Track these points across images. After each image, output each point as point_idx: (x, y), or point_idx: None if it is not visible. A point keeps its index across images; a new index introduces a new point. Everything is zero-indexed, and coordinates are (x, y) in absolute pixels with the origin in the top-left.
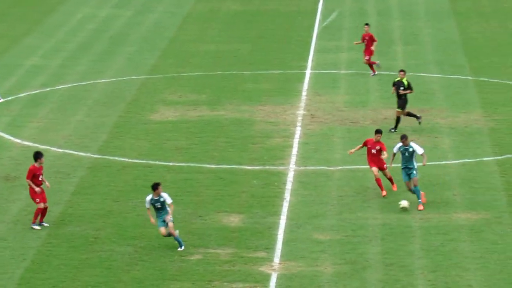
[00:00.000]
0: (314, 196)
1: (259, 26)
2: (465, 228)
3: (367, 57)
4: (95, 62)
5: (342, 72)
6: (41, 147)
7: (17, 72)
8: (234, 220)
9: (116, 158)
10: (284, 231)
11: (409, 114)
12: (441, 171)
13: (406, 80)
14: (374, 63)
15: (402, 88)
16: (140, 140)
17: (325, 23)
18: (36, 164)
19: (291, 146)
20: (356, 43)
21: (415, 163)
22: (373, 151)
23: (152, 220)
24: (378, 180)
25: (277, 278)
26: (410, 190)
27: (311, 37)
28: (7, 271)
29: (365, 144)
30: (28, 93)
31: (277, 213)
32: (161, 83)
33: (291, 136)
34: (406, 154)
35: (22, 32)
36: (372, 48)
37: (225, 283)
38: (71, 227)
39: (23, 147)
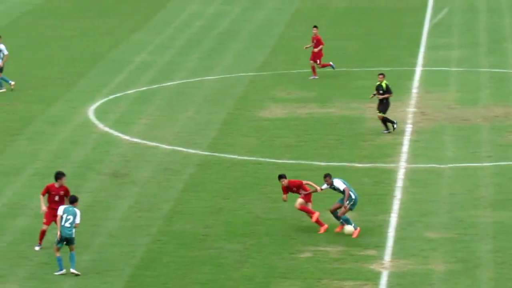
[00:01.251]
0: (425, 194)
1: (367, 23)
2: None
3: (318, 61)
4: (204, 59)
5: (452, 69)
6: (149, 144)
7: (125, 68)
8: None
9: (226, 155)
10: (395, 229)
11: (385, 120)
12: None
13: (385, 83)
14: (328, 65)
15: (381, 91)
16: (250, 137)
17: (435, 20)
18: (56, 184)
19: (401, 144)
20: (306, 47)
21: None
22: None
23: None
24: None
25: (388, 276)
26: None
27: (421, 34)
28: (117, 268)
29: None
30: (137, 89)
31: (388, 211)
32: (270, 80)
33: (401, 133)
34: (335, 190)
35: (131, 28)
36: (316, 50)
37: (335, 281)
38: (180, 224)
39: (132, 144)
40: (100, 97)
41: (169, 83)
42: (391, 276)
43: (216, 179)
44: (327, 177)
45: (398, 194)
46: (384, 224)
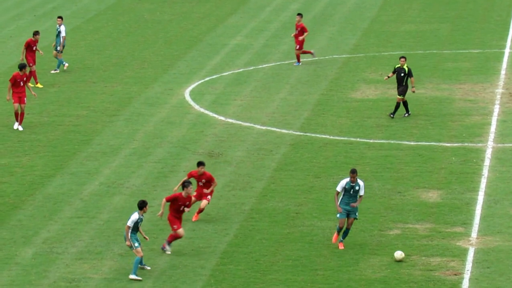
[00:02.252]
0: (511, 172)
1: (458, 6)
2: None
3: (297, 47)
4: None
5: None
6: (244, 124)
7: (221, 51)
8: (432, 196)
9: (318, 135)
10: (482, 207)
11: (404, 104)
12: None
13: (407, 66)
14: (308, 52)
15: (402, 74)
16: (341, 118)
17: None
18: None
19: (489, 124)
20: (293, 35)
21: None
22: None
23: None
24: None
25: (475, 253)
26: (340, 228)
27: (510, 16)
28: (210, 245)
29: None
30: (232, 71)
31: (475, 189)
32: (362, 62)
33: (489, 114)
34: (351, 191)
35: (227, 12)
36: (301, 38)
37: (423, 257)
38: (273, 202)
39: (227, 124)
40: (196, 79)
41: (264, 65)
42: (477, 252)
43: (308, 158)
44: (354, 174)
45: (485, 172)
46: (472, 202)
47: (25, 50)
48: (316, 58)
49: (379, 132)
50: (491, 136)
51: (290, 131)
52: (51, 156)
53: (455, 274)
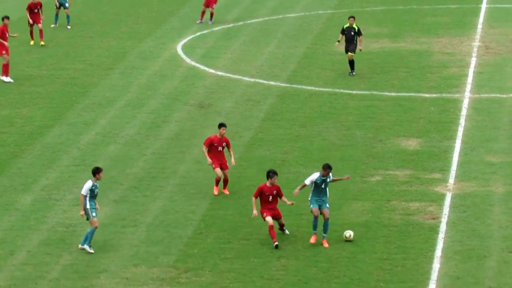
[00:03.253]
0: (487, 121)
1: None
2: None
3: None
4: None
5: None
6: (233, 76)
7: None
8: (412, 143)
9: (304, 86)
10: (459, 154)
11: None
12: None
13: (356, 25)
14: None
15: (353, 33)
16: (326, 70)
17: None
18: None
19: (466, 75)
20: None
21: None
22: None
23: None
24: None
25: (452, 198)
26: (315, 217)
27: None
28: (201, 191)
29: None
30: (222, 26)
31: (453, 137)
32: (346, 17)
33: (466, 66)
34: (323, 186)
35: None
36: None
37: (403, 202)
38: (260, 151)
39: (217, 77)
40: (188, 34)
41: (253, 20)
42: (454, 197)
43: (294, 109)
44: (327, 170)
45: (462, 121)
46: (449, 150)
47: (28, 13)
48: (302, 14)
49: (361, 83)
50: (468, 87)
51: (277, 83)
52: (49, 107)
53: (433, 218)
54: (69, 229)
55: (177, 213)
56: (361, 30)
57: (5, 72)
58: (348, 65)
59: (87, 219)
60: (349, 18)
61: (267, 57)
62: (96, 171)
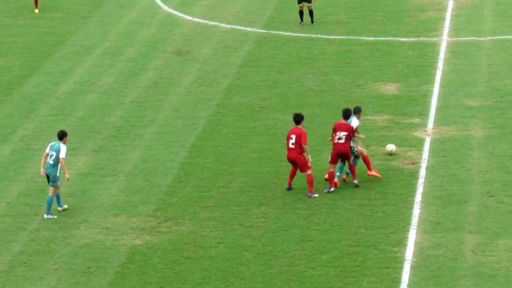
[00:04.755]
0: (465, 65)
1: None
2: None
3: None
4: None
5: None
6: (210, 23)
7: None
8: (390, 88)
9: (281, 32)
10: (437, 98)
11: (302, 13)
12: None
13: None
14: None
15: None
16: (303, 15)
17: None
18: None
19: (444, 19)
20: None
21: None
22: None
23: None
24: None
25: (431, 142)
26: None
27: None
28: (179, 139)
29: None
30: None
31: (431, 82)
32: None
33: (444, 9)
34: None
35: None
36: None
37: (382, 148)
38: (238, 97)
39: (194, 24)
40: None
41: None
42: (433, 142)
43: (271, 55)
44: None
45: (440, 65)
46: (427, 94)
47: None
48: None
49: (339, 28)
50: (446, 30)
51: (254, 29)
52: (27, 57)
53: (413, 163)
54: None
55: (156, 162)
56: None
57: None
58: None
59: (55, 185)
60: None
61: (243, 3)
62: (62, 135)
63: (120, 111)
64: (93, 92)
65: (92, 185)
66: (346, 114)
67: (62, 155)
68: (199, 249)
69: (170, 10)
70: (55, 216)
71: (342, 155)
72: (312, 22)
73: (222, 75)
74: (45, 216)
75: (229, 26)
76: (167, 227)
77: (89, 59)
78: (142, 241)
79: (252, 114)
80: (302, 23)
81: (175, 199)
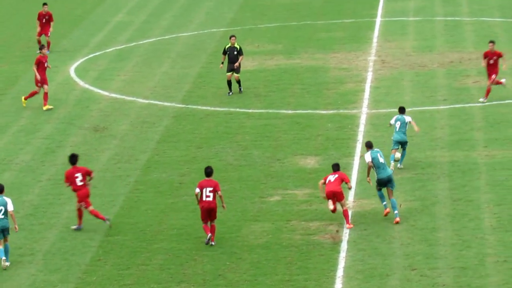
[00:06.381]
0: (385, 137)
1: None
2: None
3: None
4: (177, 17)
5: (410, 19)
6: (127, 98)
7: (104, 28)
8: (310, 162)
9: (199, 107)
10: (358, 171)
11: (230, 82)
12: (505, 109)
13: (238, 45)
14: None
15: (235, 52)
16: (221, 89)
17: None
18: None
19: (363, 91)
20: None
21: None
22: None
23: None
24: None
25: (352, 215)
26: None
27: None
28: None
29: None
30: (115, 48)
31: (351, 154)
32: (240, 35)
33: (363, 81)
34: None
35: None
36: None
37: (303, 222)
38: (157, 173)
39: (111, 99)
40: (80, 56)
41: (145, 41)
42: (354, 215)
43: (190, 130)
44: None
45: (360, 138)
46: (348, 167)
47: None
48: (196, 33)
49: (257, 102)
50: (365, 102)
51: (172, 104)
52: None
53: (334, 237)
54: None
55: (74, 240)
56: (243, 49)
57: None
58: (227, 85)
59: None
60: (230, 38)
61: (161, 77)
62: (2, 188)
63: (37, 189)
64: (10, 170)
65: (10, 265)
66: None
67: (11, 207)
68: None
69: (87, 86)
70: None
71: (210, 210)
72: (240, 90)
73: (140, 151)
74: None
75: (146, 101)
76: None
77: (4, 137)
78: None
79: (171, 190)
80: (231, 93)
81: (94, 278)
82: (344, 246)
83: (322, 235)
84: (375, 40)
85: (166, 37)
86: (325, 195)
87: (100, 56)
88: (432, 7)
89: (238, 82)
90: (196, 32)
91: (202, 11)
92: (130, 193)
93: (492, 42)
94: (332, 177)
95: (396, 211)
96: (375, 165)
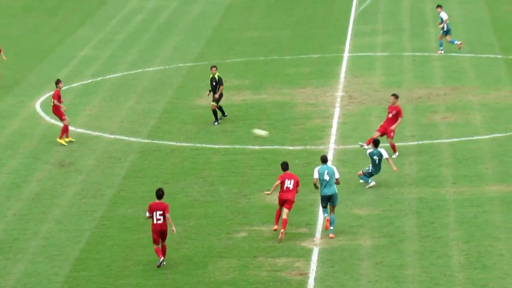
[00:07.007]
0: (353, 173)
1: (298, 13)
2: (496, 200)
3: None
4: (144, 51)
5: (378, 54)
6: (93, 133)
7: (70, 63)
8: (277, 198)
9: (165, 142)
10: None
11: (220, 109)
12: (474, 145)
13: (218, 75)
14: None
15: (214, 83)
16: (187, 124)
17: (362, 8)
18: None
19: (330, 126)
20: None
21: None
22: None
23: None
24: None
25: (319, 252)
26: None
27: (348, 21)
28: (63, 252)
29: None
30: (81, 82)
31: (317, 191)
32: (207, 70)
33: (330, 116)
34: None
35: (75, 25)
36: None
37: (269, 259)
38: (123, 209)
39: (77, 134)
40: (47, 90)
41: (112, 76)
42: (322, 252)
43: (156, 165)
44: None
45: None
46: (315, 203)
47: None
48: (162, 67)
49: (224, 137)
50: (332, 138)
51: (138, 139)
52: None
53: (301, 274)
54: None
55: (39, 276)
56: (223, 80)
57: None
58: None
59: None
60: (211, 68)
61: (127, 112)
62: None
63: (2, 224)
64: None
65: None
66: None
67: None
68: None
69: (52, 121)
70: None
71: (162, 232)
72: (224, 114)
73: (106, 186)
74: None
75: (112, 136)
76: None
77: None
78: None
79: (137, 225)
80: (217, 123)
81: None
82: (311, 283)
83: (289, 272)
84: (342, 75)
85: (132, 72)
86: (278, 200)
87: (65, 91)
88: (400, 42)
89: (220, 108)
90: (162, 67)
91: (169, 46)
92: (96, 229)
93: (394, 95)
94: (289, 184)
95: (331, 227)
96: (320, 181)
